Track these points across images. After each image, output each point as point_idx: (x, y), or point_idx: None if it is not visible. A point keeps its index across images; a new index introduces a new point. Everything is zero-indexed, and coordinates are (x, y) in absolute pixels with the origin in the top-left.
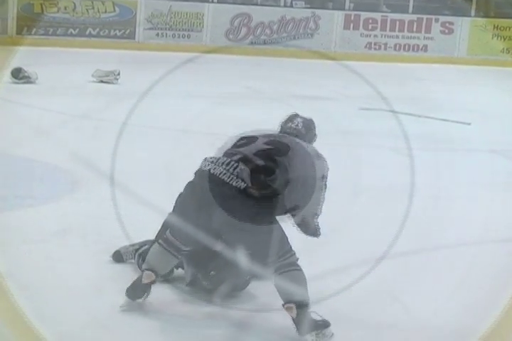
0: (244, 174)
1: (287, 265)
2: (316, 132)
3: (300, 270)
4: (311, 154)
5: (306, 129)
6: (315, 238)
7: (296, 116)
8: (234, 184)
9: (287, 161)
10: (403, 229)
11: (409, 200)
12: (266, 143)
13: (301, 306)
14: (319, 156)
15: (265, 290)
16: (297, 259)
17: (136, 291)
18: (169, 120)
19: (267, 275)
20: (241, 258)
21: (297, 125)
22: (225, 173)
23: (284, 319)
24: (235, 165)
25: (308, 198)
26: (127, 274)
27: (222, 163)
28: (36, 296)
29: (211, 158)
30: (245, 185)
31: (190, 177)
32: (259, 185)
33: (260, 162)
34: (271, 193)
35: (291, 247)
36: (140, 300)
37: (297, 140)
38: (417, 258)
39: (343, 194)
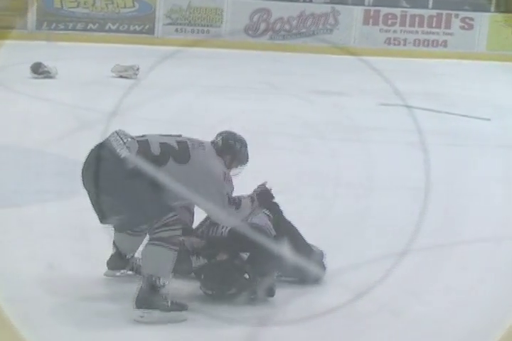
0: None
1: (155, 238)
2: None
3: (165, 247)
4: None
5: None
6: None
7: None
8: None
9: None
10: (421, 224)
11: (425, 196)
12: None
13: (149, 280)
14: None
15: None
16: (173, 238)
17: (115, 263)
18: (187, 115)
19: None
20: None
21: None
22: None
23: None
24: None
25: None
26: None
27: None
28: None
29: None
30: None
31: None
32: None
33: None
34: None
35: (171, 223)
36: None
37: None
38: (434, 254)
39: (361, 189)
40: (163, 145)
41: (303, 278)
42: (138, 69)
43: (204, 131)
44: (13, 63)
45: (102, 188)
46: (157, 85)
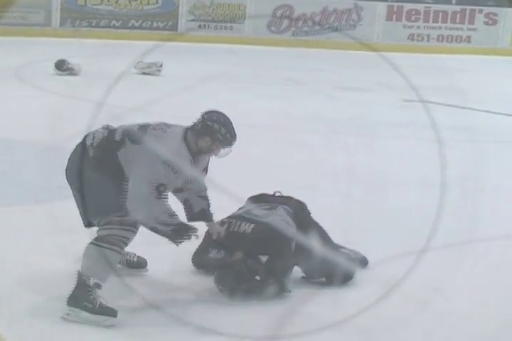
0: None
1: (96, 236)
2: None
3: (99, 246)
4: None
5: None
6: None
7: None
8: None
9: None
10: (439, 221)
11: (442, 191)
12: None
13: (79, 278)
14: None
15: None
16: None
17: None
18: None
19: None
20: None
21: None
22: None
23: None
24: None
25: None
26: None
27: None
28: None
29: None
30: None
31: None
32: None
33: None
34: None
35: (114, 222)
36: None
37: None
38: (455, 250)
39: (384, 185)
40: (125, 130)
41: (331, 279)
42: (161, 65)
43: None
44: (37, 60)
45: (70, 179)
46: (180, 81)
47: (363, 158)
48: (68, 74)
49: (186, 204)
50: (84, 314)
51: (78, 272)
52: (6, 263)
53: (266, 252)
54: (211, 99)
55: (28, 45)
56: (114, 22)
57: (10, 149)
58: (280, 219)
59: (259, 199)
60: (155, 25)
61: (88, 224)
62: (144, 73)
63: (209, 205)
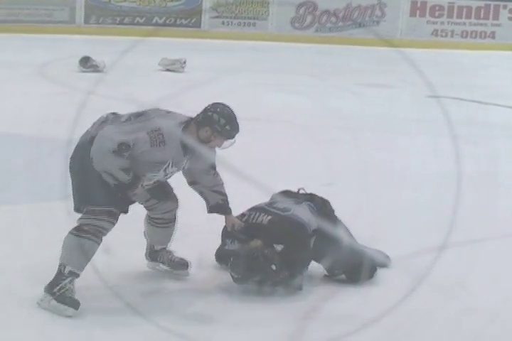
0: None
1: (76, 227)
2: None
3: (75, 235)
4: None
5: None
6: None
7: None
8: None
9: None
10: (461, 217)
11: (458, 188)
12: None
13: (59, 267)
14: None
15: None
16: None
17: (148, 255)
18: (233, 108)
19: None
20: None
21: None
22: None
23: None
24: None
25: None
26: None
27: None
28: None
29: None
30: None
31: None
32: None
33: None
34: None
35: (96, 212)
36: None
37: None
38: (477, 246)
39: (409, 181)
40: (131, 113)
41: (353, 276)
42: (185, 62)
43: (250, 124)
44: (61, 57)
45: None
46: (203, 78)
47: (388, 154)
48: (92, 71)
49: (202, 196)
50: (52, 302)
51: (59, 260)
52: (32, 259)
53: (280, 242)
54: (234, 95)
55: (53, 42)
56: (138, 19)
57: (35, 146)
58: (301, 214)
59: (283, 195)
60: (178, 22)
61: (77, 210)
62: (167, 70)
63: (225, 200)
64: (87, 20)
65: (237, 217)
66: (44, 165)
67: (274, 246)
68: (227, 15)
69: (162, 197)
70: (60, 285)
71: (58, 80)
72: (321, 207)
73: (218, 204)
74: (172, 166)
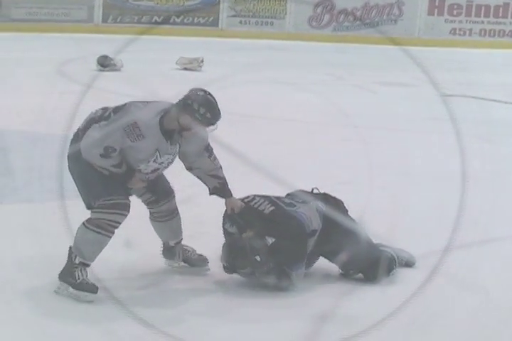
0: None
1: (89, 220)
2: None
3: (87, 228)
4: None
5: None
6: None
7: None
8: None
9: None
10: (460, 218)
11: (463, 188)
12: None
13: (69, 255)
14: None
15: None
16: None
17: (164, 252)
18: (251, 107)
19: None
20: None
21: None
22: None
23: None
24: None
25: None
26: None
27: None
28: None
29: None
30: None
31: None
32: None
33: None
34: None
35: (106, 206)
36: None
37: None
38: (494, 245)
39: (429, 181)
40: (114, 107)
41: (371, 275)
42: (202, 61)
43: (268, 123)
44: (79, 56)
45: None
46: (220, 77)
47: (406, 153)
48: (110, 70)
49: (201, 181)
50: (70, 289)
51: (69, 248)
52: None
53: (274, 235)
54: (251, 94)
55: (71, 41)
56: (155, 18)
57: (53, 144)
58: (304, 213)
59: (295, 194)
60: (196, 20)
61: (89, 207)
62: (185, 69)
63: (222, 183)
64: (105, 19)
65: (241, 199)
66: (65, 164)
67: (266, 238)
68: (245, 14)
69: (154, 190)
70: (75, 273)
71: (76, 79)
72: (335, 207)
73: (216, 188)
74: (161, 156)
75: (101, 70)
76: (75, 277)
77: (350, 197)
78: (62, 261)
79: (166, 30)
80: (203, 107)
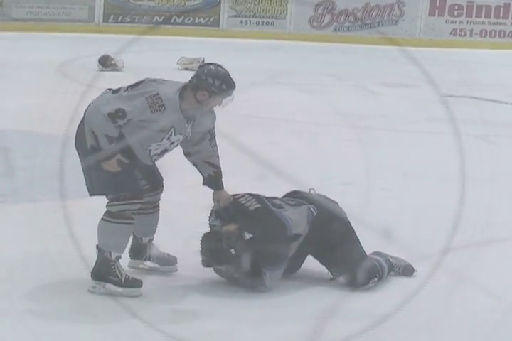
0: None
1: (105, 212)
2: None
3: (111, 222)
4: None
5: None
6: None
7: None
8: None
9: None
10: (460, 218)
11: (462, 188)
12: None
13: (101, 254)
14: None
15: None
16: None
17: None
18: (252, 107)
19: None
20: None
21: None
22: None
23: None
24: None
25: None
26: None
27: None
28: None
29: None
30: None
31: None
32: None
33: None
34: None
35: (123, 198)
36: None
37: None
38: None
39: (430, 181)
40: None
41: (349, 280)
42: (203, 61)
43: (270, 123)
44: (80, 56)
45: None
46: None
47: (408, 153)
48: (111, 70)
49: (197, 168)
50: (111, 286)
51: (97, 247)
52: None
53: (253, 231)
54: (252, 95)
55: (72, 41)
56: (156, 18)
57: (54, 144)
58: (290, 216)
59: (293, 195)
60: (197, 21)
61: (94, 194)
62: (186, 69)
63: (216, 172)
64: (106, 19)
65: (232, 195)
66: (67, 163)
67: (244, 233)
68: (246, 14)
69: (150, 178)
70: (115, 270)
71: (77, 79)
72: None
73: (210, 177)
74: (175, 134)
75: (102, 70)
76: (117, 275)
77: (351, 198)
78: (63, 260)
79: (167, 31)
80: (217, 80)
